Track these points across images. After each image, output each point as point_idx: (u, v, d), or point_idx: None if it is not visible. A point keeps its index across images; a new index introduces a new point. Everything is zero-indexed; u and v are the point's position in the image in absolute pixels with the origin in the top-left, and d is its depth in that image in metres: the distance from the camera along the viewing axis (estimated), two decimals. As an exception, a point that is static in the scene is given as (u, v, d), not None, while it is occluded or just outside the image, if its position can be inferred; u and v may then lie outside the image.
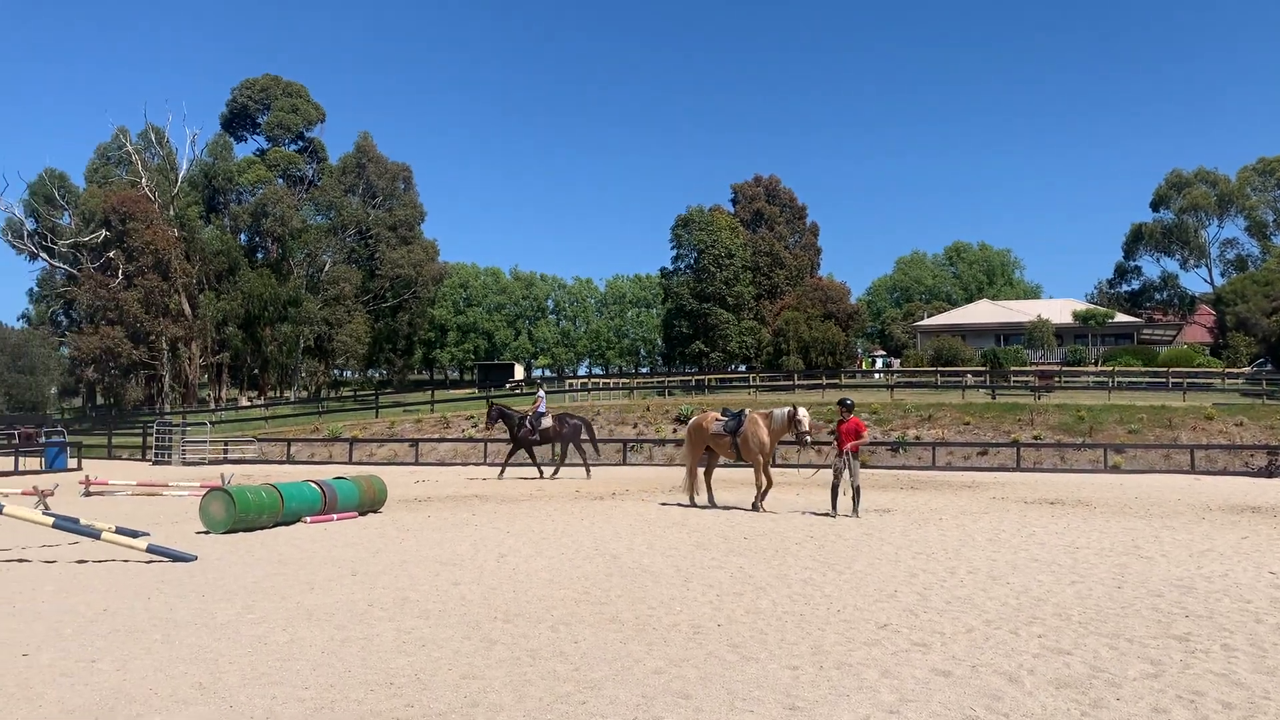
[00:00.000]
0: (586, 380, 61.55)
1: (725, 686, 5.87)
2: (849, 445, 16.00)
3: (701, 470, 18.18)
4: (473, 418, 39.08)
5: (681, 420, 35.96)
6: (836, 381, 47.19)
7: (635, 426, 36.72)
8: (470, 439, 36.12)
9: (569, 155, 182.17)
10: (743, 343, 69.96)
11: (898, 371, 51.61)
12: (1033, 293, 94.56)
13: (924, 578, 9.87)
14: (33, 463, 31.45)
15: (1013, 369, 49.51)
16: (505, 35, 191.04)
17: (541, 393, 28.05)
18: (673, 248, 73.86)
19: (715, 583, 9.53)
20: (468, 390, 60.13)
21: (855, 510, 15.84)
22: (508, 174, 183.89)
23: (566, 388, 53.66)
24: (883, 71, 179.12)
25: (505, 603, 8.57)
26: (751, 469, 17.83)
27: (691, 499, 17.85)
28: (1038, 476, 27.16)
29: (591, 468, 26.66)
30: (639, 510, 16.92)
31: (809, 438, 17.16)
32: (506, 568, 10.55)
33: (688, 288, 70.86)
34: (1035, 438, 31.67)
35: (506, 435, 27.59)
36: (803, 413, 16.94)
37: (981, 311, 69.95)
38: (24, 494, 17.86)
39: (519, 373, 77.19)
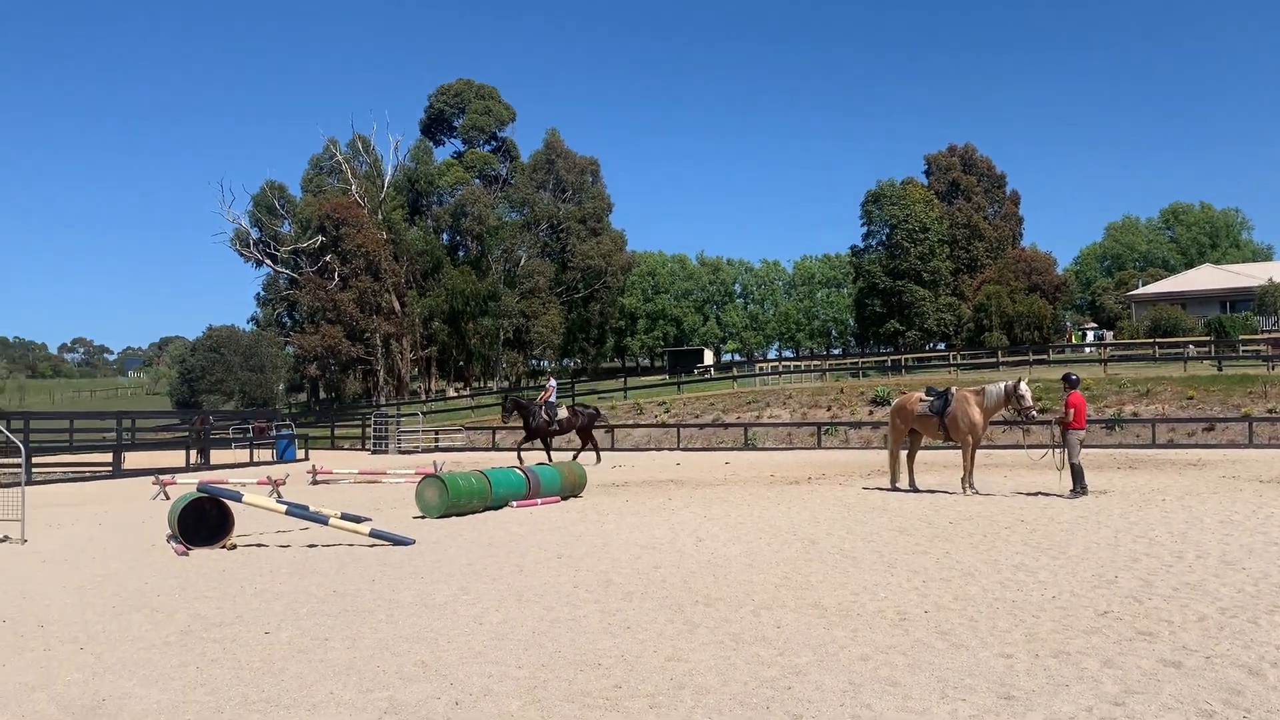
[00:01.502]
0: (776, 363, 61.08)
1: (935, 674, 5.70)
2: (1057, 420, 15.44)
3: (904, 453, 17.70)
4: (665, 403, 39.59)
5: (877, 402, 35.17)
6: (1044, 357, 44.91)
7: (829, 409, 36.20)
8: (663, 424, 36.61)
9: (752, 137, 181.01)
10: (940, 320, 67.57)
11: (1110, 345, 48.51)
12: (1263, 254, 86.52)
13: (1147, 562, 9.26)
14: (265, 454, 34.14)
15: (1241, 338, 45.58)
16: (681, 20, 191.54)
17: (552, 382, 28.07)
18: (863, 224, 72.14)
19: (920, 568, 9.27)
20: (659, 376, 60.96)
21: (1075, 491, 15.09)
22: (692, 160, 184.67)
23: (756, 371, 53.40)
24: (1083, 21, 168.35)
25: (705, 586, 8.63)
26: (953, 450, 17.24)
27: (893, 483, 17.41)
28: (1274, 453, 24.97)
29: (602, 454, 26.98)
30: (837, 495, 16.67)
31: (1033, 413, 16.40)
32: (705, 551, 10.62)
33: (880, 265, 69.03)
34: (1270, 411, 29.11)
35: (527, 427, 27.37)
36: (1024, 387, 16.17)
37: (1204, 277, 64.60)
38: (259, 483, 19.46)
39: (708, 357, 77.36)
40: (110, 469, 27.64)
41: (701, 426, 36.01)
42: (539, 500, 16.11)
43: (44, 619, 7.87)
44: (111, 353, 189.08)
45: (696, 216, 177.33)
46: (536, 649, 6.55)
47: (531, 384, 66.26)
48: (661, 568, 9.67)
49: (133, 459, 29.49)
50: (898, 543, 10.93)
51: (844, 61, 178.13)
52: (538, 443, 27.28)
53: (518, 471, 16.41)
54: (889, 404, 27.23)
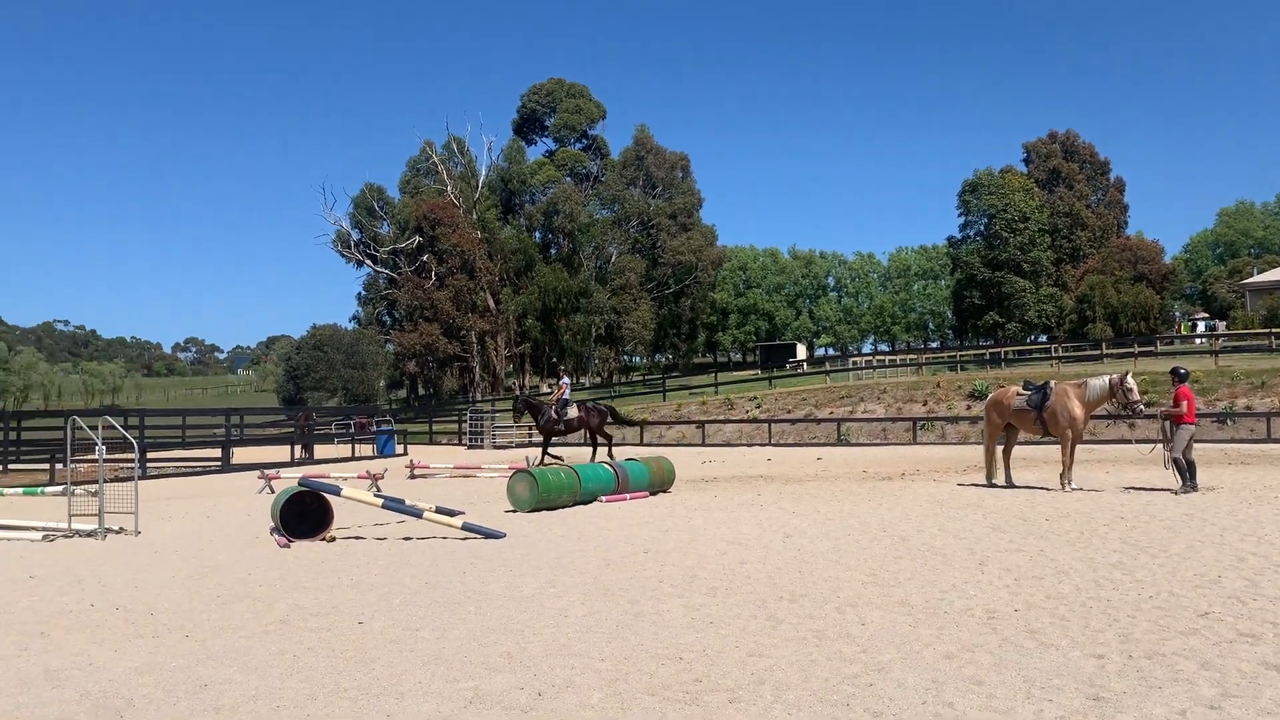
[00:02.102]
0: (871, 357, 60.23)
1: (1021, 673, 5.59)
2: (1163, 413, 14.93)
3: (1000, 448, 17.29)
4: (756, 399, 39.39)
5: (975, 396, 34.39)
6: (1151, 349, 43.24)
7: (925, 404, 35.55)
8: (755, 420, 36.44)
9: (845, 128, 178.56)
10: (1041, 311, 65.70)
11: (1223, 335, 46.48)
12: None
13: (1254, 562, 8.89)
14: (366, 449, 35.10)
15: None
16: (771, 13, 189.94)
17: (564, 381, 27.50)
18: (960, 215, 70.61)
19: (1012, 566, 9.07)
20: (750, 372, 60.69)
21: (1185, 487, 14.57)
22: (784, 153, 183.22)
23: (850, 366, 52.74)
24: (1187, 1, 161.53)
25: (791, 582, 8.60)
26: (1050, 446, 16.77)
27: (989, 478, 17.02)
28: (1404, 449, 23.63)
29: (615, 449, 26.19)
30: (930, 491, 16.38)
31: (1140, 407, 15.87)
32: (792, 548, 10.57)
33: (978, 256, 67.45)
34: (1400, 405, 27.54)
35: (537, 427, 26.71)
36: (1131, 380, 15.67)
37: (1326, 263, 61.44)
38: (359, 477, 20.03)
39: (801, 352, 76.64)
40: (219, 464, 28.78)
41: (793, 422, 35.73)
42: (628, 495, 16.23)
43: (154, 607, 8.26)
44: (222, 352, 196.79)
45: (789, 210, 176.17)
46: (619, 642, 6.63)
47: (623, 380, 66.63)
48: (747, 563, 9.66)
49: (241, 454, 30.65)
50: (990, 540, 10.70)
51: (938, 50, 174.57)
52: (581, 439, 26.77)
53: (607, 467, 16.56)
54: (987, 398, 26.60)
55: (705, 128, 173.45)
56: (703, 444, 34.31)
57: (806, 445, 33.03)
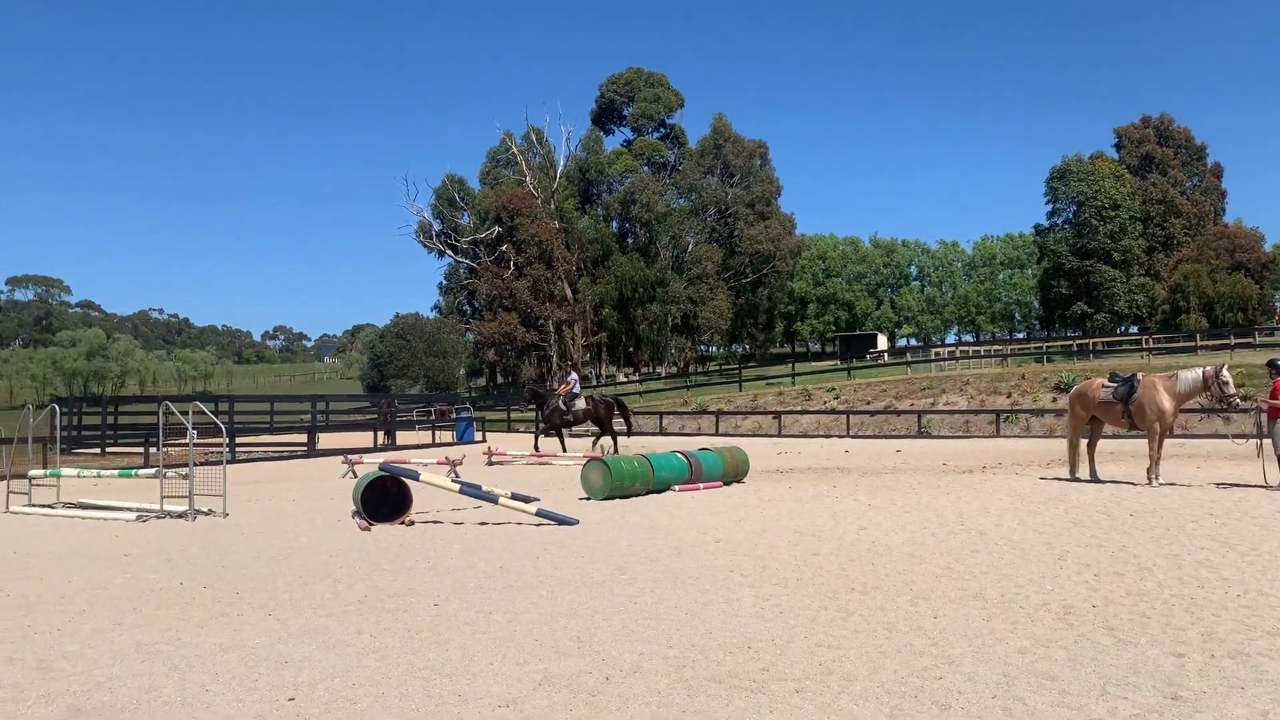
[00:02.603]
0: (954, 348, 59.13)
1: (1097, 670, 5.46)
2: (1259, 406, 14.35)
3: (1084, 442, 16.84)
4: (834, 389, 39.00)
5: (1061, 388, 33.55)
6: (1249, 340, 41.68)
7: (1009, 396, 34.79)
8: (833, 411, 36.09)
9: (927, 115, 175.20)
10: (1132, 301, 63.79)
11: (1327, 327, 44.53)
12: None
13: (1354, 563, 8.53)
14: (446, 436, 35.71)
15: None
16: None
17: (573, 375, 27.34)
18: (1048, 202, 68.92)
19: (1092, 561, 8.85)
20: (829, 362, 60.10)
21: None
22: (864, 140, 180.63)
23: (931, 357, 51.88)
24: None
25: (863, 574, 8.52)
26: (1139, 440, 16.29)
27: (1072, 473, 16.60)
28: None
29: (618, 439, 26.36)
30: (1011, 485, 16.05)
31: (1236, 401, 15.34)
32: (866, 540, 10.47)
33: (1066, 244, 65.75)
34: None
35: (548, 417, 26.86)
36: (1226, 373, 15.15)
37: None
38: (438, 463, 20.40)
39: (881, 342, 75.64)
40: (305, 448, 29.56)
41: (872, 413, 35.28)
42: (701, 485, 16.24)
43: (239, 586, 8.55)
44: (309, 340, 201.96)
45: (869, 198, 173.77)
46: (688, 629, 6.66)
47: (699, 370, 66.55)
48: (820, 554, 9.60)
49: (325, 439, 31.42)
50: (1071, 535, 10.46)
51: (1024, 34, 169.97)
52: (601, 433, 27.16)
53: (680, 456, 16.58)
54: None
55: (784, 115, 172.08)
56: (779, 435, 34.10)
57: (885, 437, 32.60)
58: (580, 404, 25.99)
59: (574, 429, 28.30)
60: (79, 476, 17.51)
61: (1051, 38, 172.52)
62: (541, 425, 28.09)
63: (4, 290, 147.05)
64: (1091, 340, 51.66)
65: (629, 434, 27.66)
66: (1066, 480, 16.31)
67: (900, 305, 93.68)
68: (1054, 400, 32.95)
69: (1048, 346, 49.47)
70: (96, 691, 5.47)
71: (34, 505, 14.84)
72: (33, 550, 10.95)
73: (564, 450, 25.58)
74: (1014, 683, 5.28)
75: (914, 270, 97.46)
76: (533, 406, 28.11)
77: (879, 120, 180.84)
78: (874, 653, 5.98)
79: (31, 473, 15.89)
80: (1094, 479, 16.14)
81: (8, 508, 14.85)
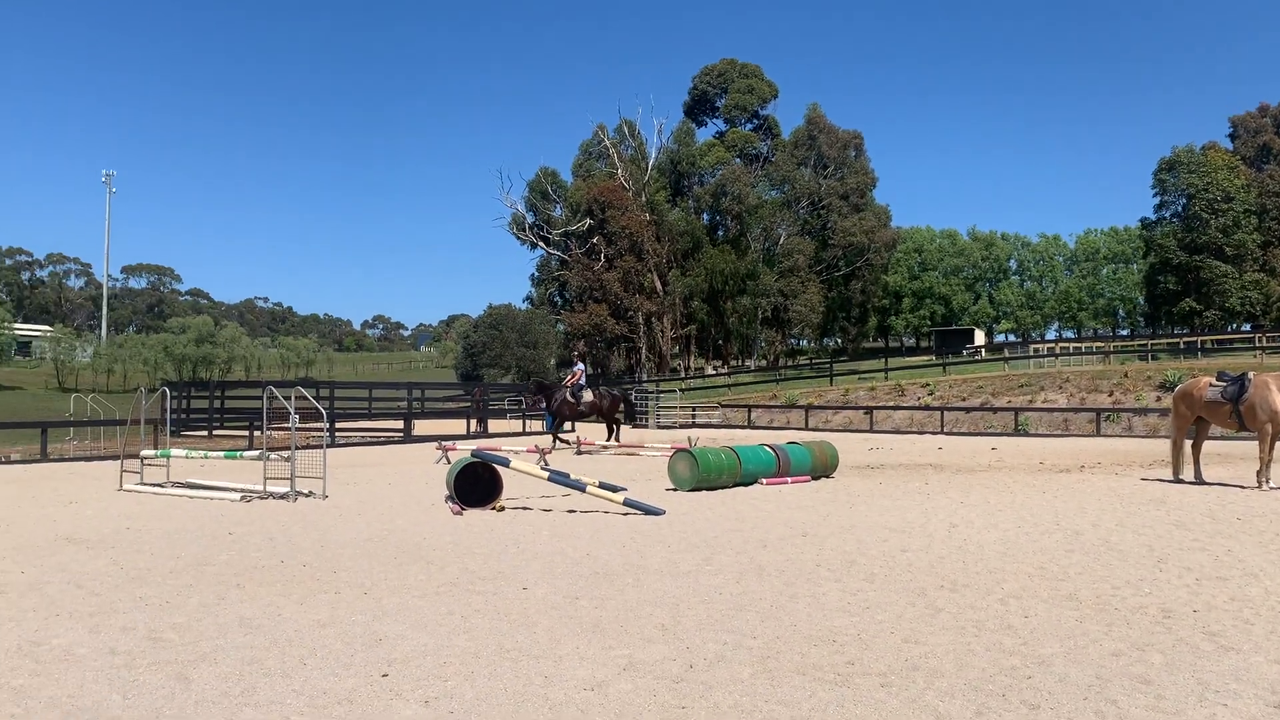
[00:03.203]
0: (1054, 345, 57.50)
1: (1195, 676, 5.30)
2: None
3: (1189, 442, 16.26)
4: (929, 385, 38.33)
5: (1166, 387, 32.41)
6: (1372, 340, 39.60)
7: (1110, 394, 33.76)
8: (926, 407, 35.49)
9: (1029, 104, 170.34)
10: (1245, 298, 61.14)
11: None
12: None
13: None
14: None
15: None
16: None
17: (579, 367, 26.90)
18: (1155, 195, 66.46)
19: (1194, 565, 8.56)
20: (924, 357, 58.98)
21: None
22: (963, 131, 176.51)
23: (1030, 353, 50.56)
24: None
25: (953, 572, 8.40)
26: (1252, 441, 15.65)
27: (1176, 474, 16.05)
28: None
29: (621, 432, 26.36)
30: (1110, 485, 15.59)
31: None
32: (957, 537, 10.30)
33: (1174, 239, 63.33)
34: None
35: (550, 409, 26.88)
36: None
37: None
38: (528, 451, 20.71)
39: (979, 338, 73.96)
40: (401, 434, 30.30)
41: (968, 410, 34.59)
42: (789, 479, 16.15)
43: (337, 566, 8.85)
44: (406, 329, 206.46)
45: (968, 190, 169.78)
46: (773, 621, 6.66)
47: (789, 364, 66.02)
48: (909, 551, 9.49)
49: (421, 426, 32.15)
50: (1172, 537, 10.12)
51: (1133, 22, 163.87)
52: (608, 426, 27.14)
53: (768, 449, 16.52)
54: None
55: (880, 106, 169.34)
56: (870, 430, 33.68)
57: (981, 435, 31.94)
58: (588, 396, 26.21)
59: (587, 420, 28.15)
60: (187, 457, 18.30)
61: (1162, 24, 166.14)
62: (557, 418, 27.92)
63: (119, 278, 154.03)
64: (1200, 338, 49.69)
65: (632, 426, 28.00)
66: (1169, 482, 15.78)
67: (999, 300, 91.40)
68: (1158, 399, 31.86)
69: (1153, 344, 47.74)
70: (202, 662, 5.73)
71: (145, 484, 15.55)
72: (144, 526, 11.49)
73: (554, 444, 24.73)
74: (1107, 685, 5.16)
75: (1013, 264, 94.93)
76: (539, 399, 28.17)
77: (977, 110, 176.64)
78: (962, 650, 5.90)
79: (143, 453, 16.65)
80: (1198, 481, 15.58)
81: (121, 485, 15.58)
